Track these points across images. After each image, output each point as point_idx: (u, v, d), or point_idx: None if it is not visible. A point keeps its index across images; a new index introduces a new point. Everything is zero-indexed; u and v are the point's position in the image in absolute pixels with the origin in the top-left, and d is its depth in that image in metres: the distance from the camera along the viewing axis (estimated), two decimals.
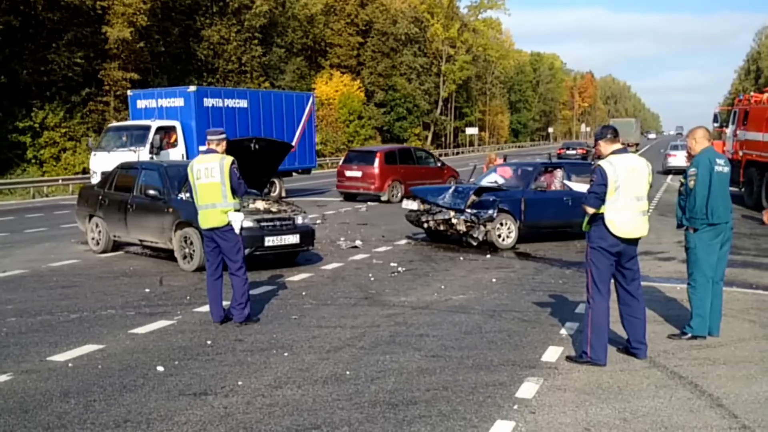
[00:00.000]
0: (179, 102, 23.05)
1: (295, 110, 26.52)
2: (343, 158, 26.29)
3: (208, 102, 23.17)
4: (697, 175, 7.26)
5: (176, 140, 22.22)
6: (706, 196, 7.24)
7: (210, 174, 7.71)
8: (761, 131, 20.35)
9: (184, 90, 23.40)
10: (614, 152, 6.41)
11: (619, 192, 6.21)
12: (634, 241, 6.40)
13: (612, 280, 6.54)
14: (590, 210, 6.32)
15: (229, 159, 7.77)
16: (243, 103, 24.41)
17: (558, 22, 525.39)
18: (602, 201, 6.23)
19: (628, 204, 6.25)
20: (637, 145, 74.45)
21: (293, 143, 24.44)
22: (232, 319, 7.82)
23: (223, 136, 8.04)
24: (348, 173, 23.82)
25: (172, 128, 22.35)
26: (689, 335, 7.22)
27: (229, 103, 24.00)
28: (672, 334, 7.38)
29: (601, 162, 6.40)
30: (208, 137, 8.03)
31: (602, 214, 6.28)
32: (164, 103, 23.53)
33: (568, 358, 6.53)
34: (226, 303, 8.00)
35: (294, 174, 27.87)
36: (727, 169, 7.51)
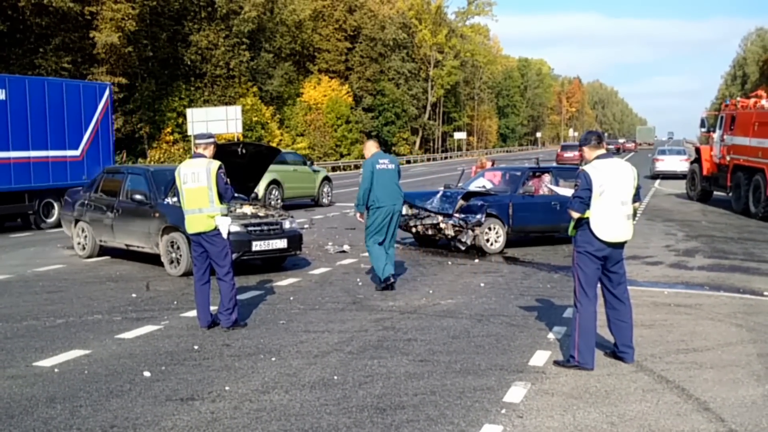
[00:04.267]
0: None
1: (84, 106, 19.92)
2: None
3: None
4: (363, 173, 9.95)
5: None
6: (368, 188, 9.84)
7: (197, 179, 7.67)
8: (748, 136, 20.49)
9: None
10: (598, 157, 6.45)
11: (604, 196, 6.23)
12: (619, 245, 6.42)
13: (599, 285, 6.56)
14: (575, 214, 6.37)
15: (216, 164, 7.73)
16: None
17: (551, 27, 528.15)
18: (587, 205, 6.26)
19: (613, 208, 6.26)
20: (651, 144, 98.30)
21: (79, 149, 19.48)
22: (219, 324, 7.79)
23: (211, 140, 8.00)
24: None
25: None
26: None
27: None
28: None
29: (585, 167, 6.42)
30: (196, 141, 8.00)
31: (588, 218, 6.31)
32: None
33: (556, 363, 6.52)
34: (213, 308, 7.97)
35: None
36: (392, 166, 10.11)
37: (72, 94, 19.74)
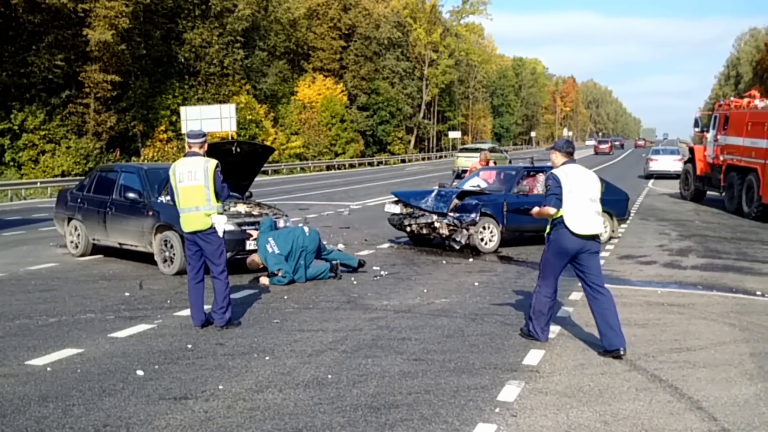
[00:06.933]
0: None
1: None
2: None
3: None
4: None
5: None
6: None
7: (193, 177, 7.64)
8: (741, 136, 20.55)
9: None
10: (565, 163, 7.04)
11: (574, 194, 6.77)
12: (593, 238, 6.85)
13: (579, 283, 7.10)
14: (552, 210, 6.86)
15: (214, 162, 7.72)
16: None
17: (545, 27, 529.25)
18: (561, 201, 6.78)
19: (583, 205, 6.79)
20: (652, 142, 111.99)
21: None
22: (213, 323, 7.77)
23: (204, 138, 7.96)
24: None
25: None
26: None
27: None
28: None
29: (554, 170, 7.01)
30: (188, 140, 7.89)
31: (561, 217, 6.82)
32: None
33: (521, 333, 7.38)
34: (207, 307, 7.95)
35: None
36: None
37: None
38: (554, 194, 6.80)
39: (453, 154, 77.70)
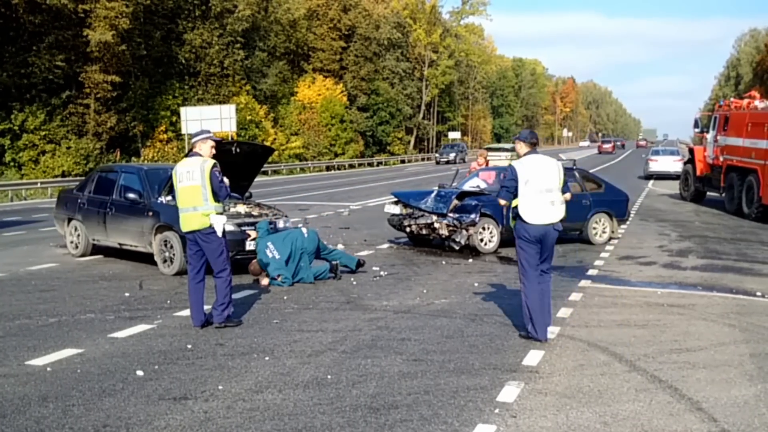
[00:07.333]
0: None
1: None
2: None
3: None
4: None
5: None
6: None
7: (191, 177, 7.66)
8: (741, 136, 20.55)
9: None
10: (527, 153, 7.39)
11: (529, 185, 7.14)
12: (550, 227, 7.23)
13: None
14: (502, 202, 7.43)
15: (211, 162, 7.72)
16: None
17: (545, 27, 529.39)
18: (512, 194, 7.24)
19: (538, 195, 7.15)
20: (653, 142, 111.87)
21: None
22: (213, 323, 7.78)
23: (204, 136, 7.98)
24: None
25: None
26: None
27: None
28: None
29: (513, 162, 7.47)
30: (192, 140, 8.00)
31: (517, 207, 7.25)
32: None
33: (521, 335, 7.38)
34: (206, 307, 7.95)
35: None
36: None
37: None
38: (505, 187, 7.31)
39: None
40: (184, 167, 7.77)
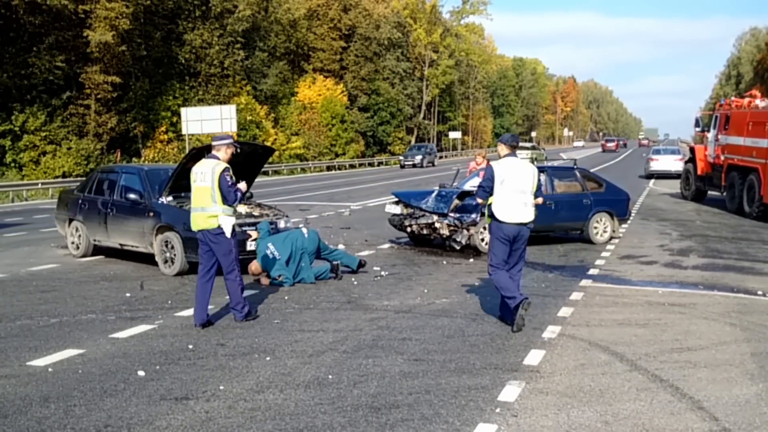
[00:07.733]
0: None
1: None
2: None
3: None
4: None
5: None
6: None
7: (203, 178, 7.83)
8: (742, 135, 20.54)
9: None
10: (506, 155, 7.85)
11: (504, 185, 7.62)
12: (523, 226, 7.71)
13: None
14: (479, 200, 8.01)
15: (222, 166, 7.82)
16: None
17: (546, 27, 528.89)
18: (488, 193, 7.71)
19: (511, 196, 7.63)
20: (654, 141, 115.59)
21: None
22: (214, 323, 7.82)
23: (224, 142, 8.08)
24: None
25: None
26: None
27: None
28: None
29: (492, 162, 8.00)
30: (212, 143, 8.17)
31: (491, 205, 7.67)
32: None
33: (514, 329, 7.60)
34: (210, 307, 7.97)
35: None
36: None
37: None
38: (482, 187, 7.78)
39: (453, 155, 77.75)
40: (199, 167, 7.96)
